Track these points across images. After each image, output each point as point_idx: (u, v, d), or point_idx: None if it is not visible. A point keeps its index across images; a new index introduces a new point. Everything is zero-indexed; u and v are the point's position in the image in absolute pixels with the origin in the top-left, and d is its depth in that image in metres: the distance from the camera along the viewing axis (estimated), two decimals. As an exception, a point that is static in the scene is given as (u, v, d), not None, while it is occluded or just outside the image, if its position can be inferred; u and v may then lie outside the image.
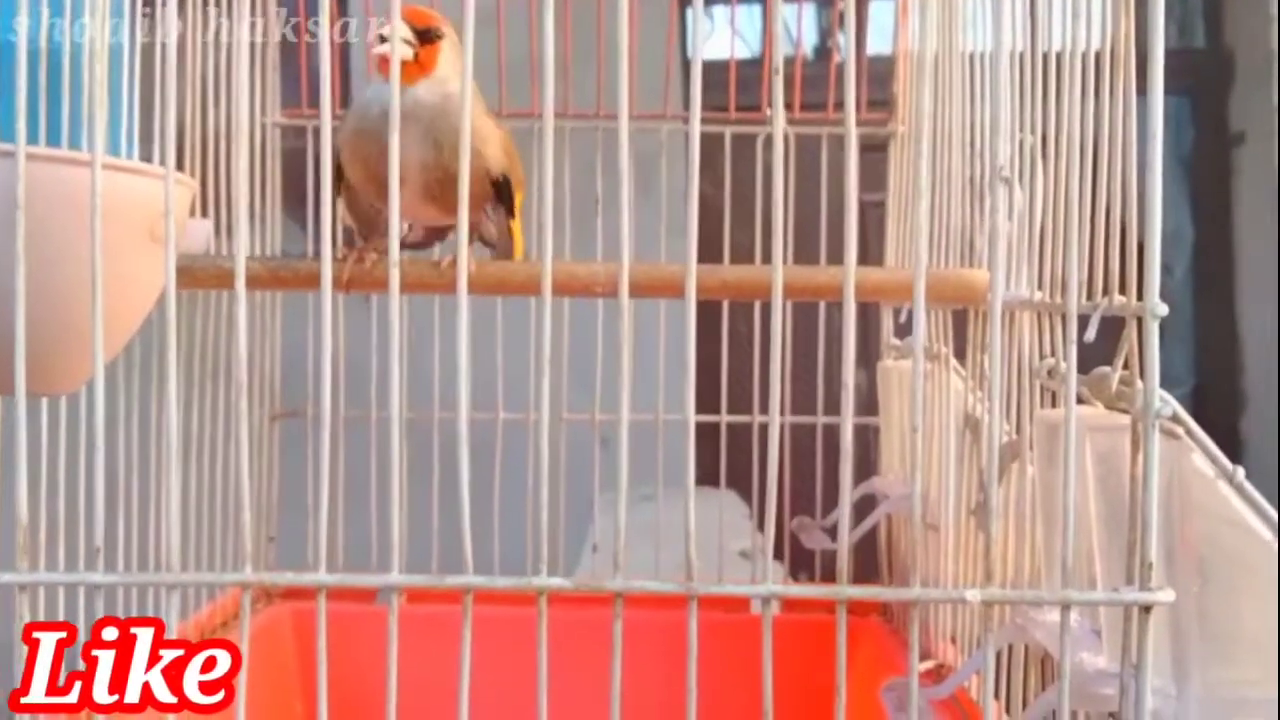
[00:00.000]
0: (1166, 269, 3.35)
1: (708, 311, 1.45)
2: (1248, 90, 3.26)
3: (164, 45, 0.62)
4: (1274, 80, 3.06)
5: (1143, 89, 0.56)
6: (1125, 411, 0.61)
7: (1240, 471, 0.58)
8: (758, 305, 1.20)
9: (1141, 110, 0.57)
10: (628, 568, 1.09)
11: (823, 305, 1.31)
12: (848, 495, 0.58)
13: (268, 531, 1.30)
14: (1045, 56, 0.75)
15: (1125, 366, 0.61)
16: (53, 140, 0.86)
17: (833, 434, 1.29)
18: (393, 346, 0.58)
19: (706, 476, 1.46)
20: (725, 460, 1.37)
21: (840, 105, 1.37)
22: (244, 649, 0.59)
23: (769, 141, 1.30)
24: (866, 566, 1.33)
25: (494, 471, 1.27)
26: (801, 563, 1.70)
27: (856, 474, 1.26)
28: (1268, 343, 3.12)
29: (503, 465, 1.28)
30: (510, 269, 0.89)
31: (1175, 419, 0.58)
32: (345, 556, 1.24)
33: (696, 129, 0.58)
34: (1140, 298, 0.57)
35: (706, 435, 1.45)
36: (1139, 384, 0.57)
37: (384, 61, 0.81)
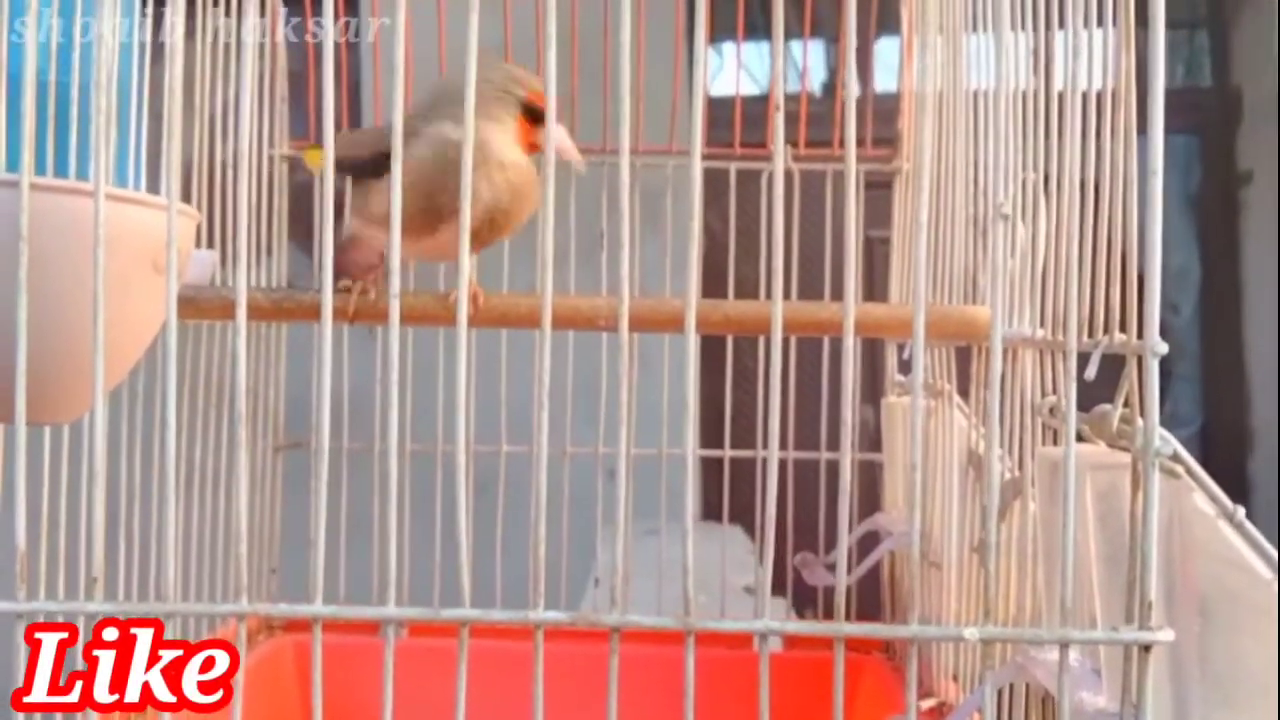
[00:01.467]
0: (1173, 308, 3.35)
1: (712, 346, 1.45)
2: (1255, 129, 3.27)
3: (170, 76, 0.62)
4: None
5: (1144, 128, 0.57)
6: (1126, 450, 0.61)
7: (1241, 511, 0.57)
8: (762, 340, 1.20)
9: (1142, 148, 0.57)
10: (630, 602, 1.09)
11: (826, 341, 1.31)
12: (845, 533, 0.57)
13: (270, 563, 1.30)
14: (1048, 94, 0.75)
15: (1126, 404, 0.61)
16: (61, 171, 0.87)
17: (836, 469, 1.28)
18: (391, 378, 0.58)
19: (712, 512, 1.46)
20: (728, 495, 1.37)
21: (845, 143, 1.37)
22: (239, 681, 0.59)
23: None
24: (870, 603, 1.33)
25: (497, 504, 1.27)
26: (806, 599, 1.70)
27: (862, 510, 1.26)
28: (1275, 382, 3.11)
29: (506, 498, 1.28)
30: (513, 302, 0.89)
31: (1176, 458, 0.57)
32: (348, 588, 1.24)
33: (698, 165, 0.58)
34: (1140, 336, 0.57)
35: (712, 470, 1.45)
36: (1139, 422, 0.56)
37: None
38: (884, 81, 1.63)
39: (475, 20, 0.60)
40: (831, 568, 1.19)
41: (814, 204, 1.31)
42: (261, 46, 1.23)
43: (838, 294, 1.26)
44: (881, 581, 1.30)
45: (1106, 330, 0.64)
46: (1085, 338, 0.66)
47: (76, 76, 0.87)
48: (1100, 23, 0.66)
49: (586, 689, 0.82)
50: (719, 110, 1.48)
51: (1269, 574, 0.56)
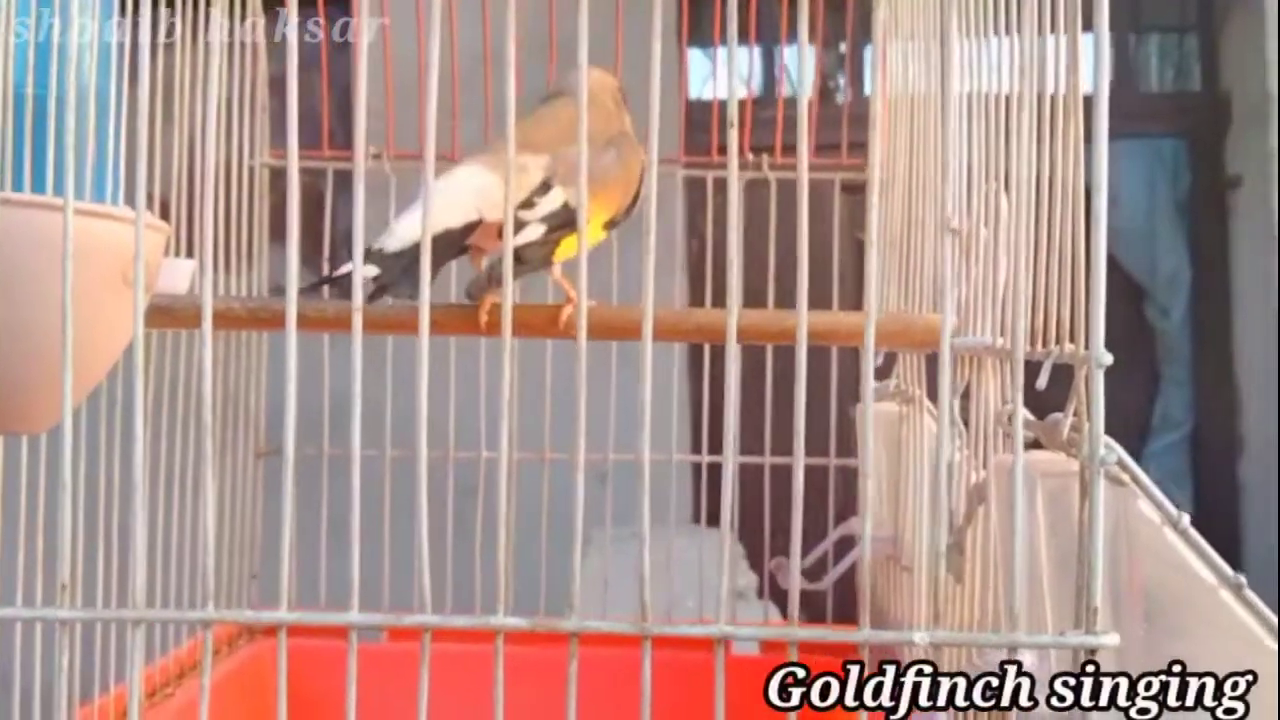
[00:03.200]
0: (1164, 311, 3.36)
1: (692, 353, 1.45)
2: (1244, 133, 3.28)
3: (141, 90, 0.63)
4: (1270, 124, 3.08)
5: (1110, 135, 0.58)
6: (1077, 457, 0.62)
7: (1185, 518, 0.59)
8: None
9: (1090, 161, 0.58)
10: (617, 606, 1.09)
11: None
12: (798, 539, 0.59)
13: (251, 568, 1.31)
14: (1007, 100, 0.76)
15: (1076, 413, 0.62)
16: (38, 183, 0.88)
17: (815, 474, 1.30)
18: (355, 389, 0.59)
19: (710, 516, 1.47)
20: (705, 499, 1.38)
21: (826, 148, 1.38)
22: (205, 684, 0.60)
23: (752, 185, 1.33)
24: (849, 606, 1.34)
25: (476, 509, 1.28)
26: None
27: (842, 514, 1.27)
28: (1266, 386, 3.12)
29: (486, 503, 1.30)
30: (467, 313, 0.91)
31: (1121, 465, 0.59)
32: (329, 592, 1.25)
33: (654, 176, 0.60)
34: (1087, 346, 0.58)
35: (708, 473, 1.46)
36: (1086, 430, 0.58)
37: None
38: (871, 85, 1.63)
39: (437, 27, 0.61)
40: (807, 572, 1.20)
41: (793, 209, 1.32)
42: (241, 49, 1.24)
43: (816, 300, 1.27)
44: (858, 586, 1.31)
45: (1059, 340, 0.65)
46: (1040, 347, 0.67)
47: (54, 87, 0.88)
48: (1054, 29, 0.67)
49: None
50: (700, 114, 1.49)
51: (1212, 579, 0.58)
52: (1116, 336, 0.57)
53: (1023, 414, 0.69)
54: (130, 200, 0.91)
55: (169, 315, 0.90)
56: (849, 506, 1.30)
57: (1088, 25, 0.64)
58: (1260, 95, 3.14)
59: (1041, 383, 0.63)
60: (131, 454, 0.59)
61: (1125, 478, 0.59)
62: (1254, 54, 3.17)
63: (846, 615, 1.30)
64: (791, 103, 1.41)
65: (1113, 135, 0.60)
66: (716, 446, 1.38)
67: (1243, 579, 0.57)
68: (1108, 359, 0.56)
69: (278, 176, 1.31)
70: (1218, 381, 3.33)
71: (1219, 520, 3.25)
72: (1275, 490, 3.07)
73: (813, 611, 1.48)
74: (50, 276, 0.60)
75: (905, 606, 1.02)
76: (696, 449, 1.47)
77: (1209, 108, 3.38)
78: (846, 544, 1.23)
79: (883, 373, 1.27)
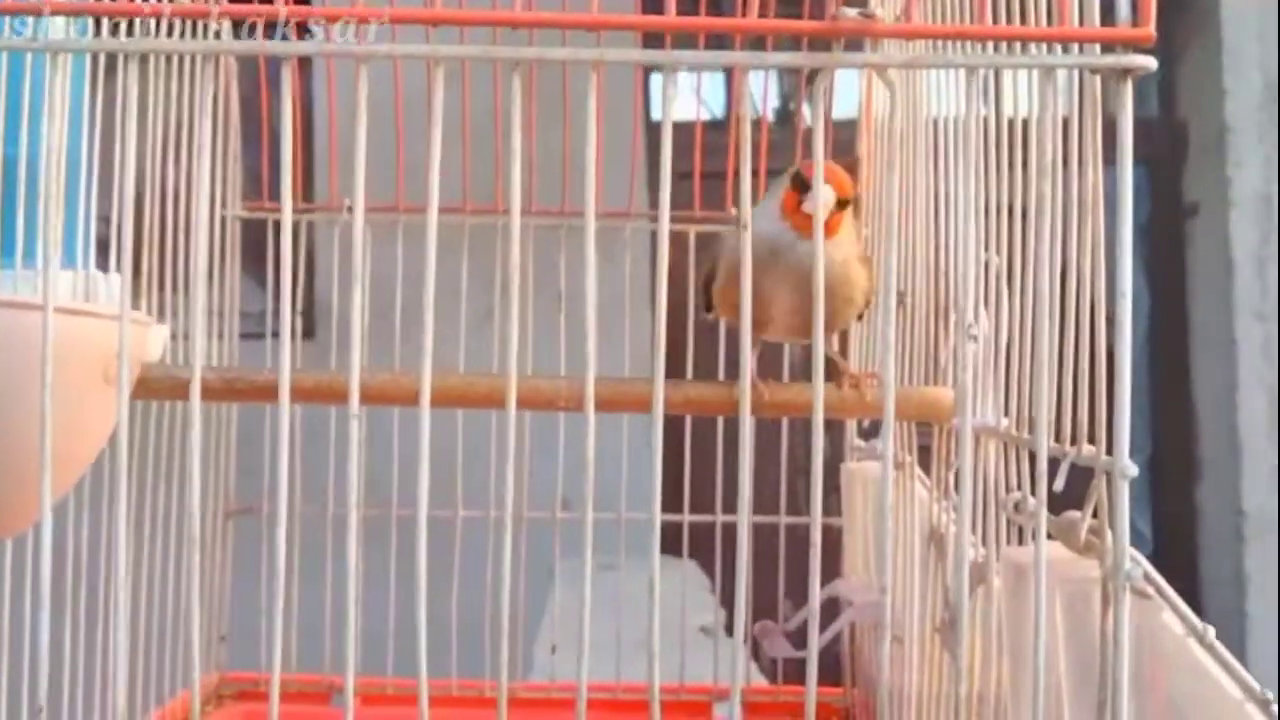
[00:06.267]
0: (1122, 337, 3.38)
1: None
2: (1201, 162, 3.31)
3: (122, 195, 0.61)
4: (1226, 153, 3.11)
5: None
6: (1093, 558, 0.61)
7: (1211, 631, 0.57)
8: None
9: (1112, 268, 0.57)
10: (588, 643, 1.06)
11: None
12: (747, 600, 0.57)
13: (219, 630, 1.28)
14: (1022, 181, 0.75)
15: (1095, 515, 0.60)
16: (8, 248, 0.84)
17: (796, 534, 1.28)
18: (281, 460, 0.57)
19: (669, 545, 1.45)
20: (688, 530, 1.37)
21: (777, 173, 1.36)
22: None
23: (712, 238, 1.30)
24: (831, 670, 1.32)
25: (453, 568, 1.25)
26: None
27: (824, 573, 1.26)
28: (1222, 411, 3.15)
29: (462, 563, 1.27)
30: (469, 382, 0.88)
31: (1146, 578, 0.57)
32: (300, 650, 1.22)
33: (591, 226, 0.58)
34: (1110, 452, 0.57)
35: (670, 504, 1.43)
36: (1109, 542, 0.56)
37: (806, 219, 0.79)
38: (843, 106, 1.61)
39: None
40: (790, 636, 1.18)
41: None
42: (214, 103, 1.21)
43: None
44: (842, 650, 1.29)
45: (1075, 440, 0.63)
46: (1053, 442, 0.65)
47: (25, 150, 0.85)
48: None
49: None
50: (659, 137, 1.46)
51: (1239, 694, 0.56)
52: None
53: (1040, 509, 0.67)
54: (102, 264, 0.88)
55: (143, 385, 0.86)
56: (833, 566, 1.29)
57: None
58: (1217, 124, 3.17)
59: (1059, 485, 0.61)
60: (114, 573, 0.56)
61: (1150, 590, 0.58)
62: (1211, 83, 3.20)
63: (828, 678, 1.28)
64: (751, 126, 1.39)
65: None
66: (697, 504, 1.37)
67: (1270, 695, 0.55)
68: (1133, 470, 0.54)
69: (249, 227, 1.27)
70: (1175, 407, 3.36)
71: (1177, 545, 3.27)
72: (1231, 515, 3.10)
73: (793, 670, 1.46)
74: (28, 377, 0.57)
75: (896, 676, 1.00)
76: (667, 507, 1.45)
77: (1167, 136, 3.41)
78: (831, 605, 1.21)
79: (868, 432, 1.26)
